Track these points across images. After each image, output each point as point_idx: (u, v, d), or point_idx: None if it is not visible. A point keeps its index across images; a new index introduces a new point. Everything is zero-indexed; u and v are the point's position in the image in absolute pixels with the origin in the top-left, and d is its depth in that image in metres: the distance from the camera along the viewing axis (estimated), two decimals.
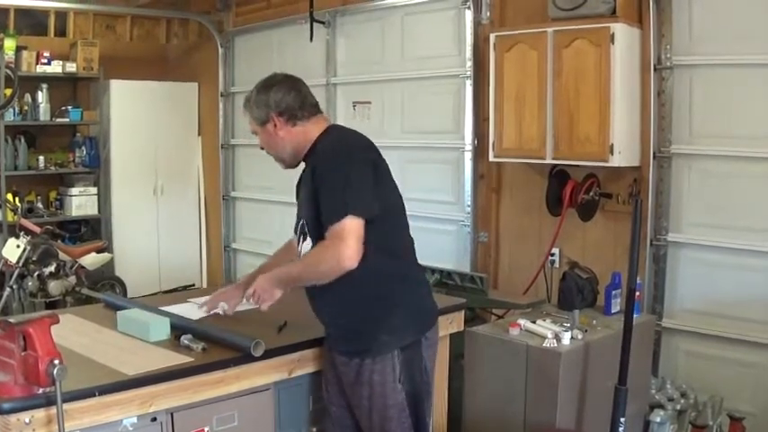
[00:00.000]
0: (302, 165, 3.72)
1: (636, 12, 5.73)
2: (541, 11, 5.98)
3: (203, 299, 4.22)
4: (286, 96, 3.59)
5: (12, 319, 2.83)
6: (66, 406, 2.84)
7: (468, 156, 7.11)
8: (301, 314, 3.85)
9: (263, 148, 3.78)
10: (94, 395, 2.99)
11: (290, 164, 3.74)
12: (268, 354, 3.49)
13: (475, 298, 5.52)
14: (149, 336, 3.69)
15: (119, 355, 3.46)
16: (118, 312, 3.98)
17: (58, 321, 2.89)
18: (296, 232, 3.72)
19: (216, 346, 3.54)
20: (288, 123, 3.59)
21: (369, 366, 3.46)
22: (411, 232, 3.72)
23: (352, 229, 3.30)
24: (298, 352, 3.71)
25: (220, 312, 4.02)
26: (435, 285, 5.61)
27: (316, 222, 3.44)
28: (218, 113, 10.21)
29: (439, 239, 7.25)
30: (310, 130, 3.61)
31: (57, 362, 2.76)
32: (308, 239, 3.55)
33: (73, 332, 3.78)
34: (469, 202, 7.14)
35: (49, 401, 2.82)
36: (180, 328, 3.72)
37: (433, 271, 5.80)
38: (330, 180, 3.39)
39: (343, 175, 3.36)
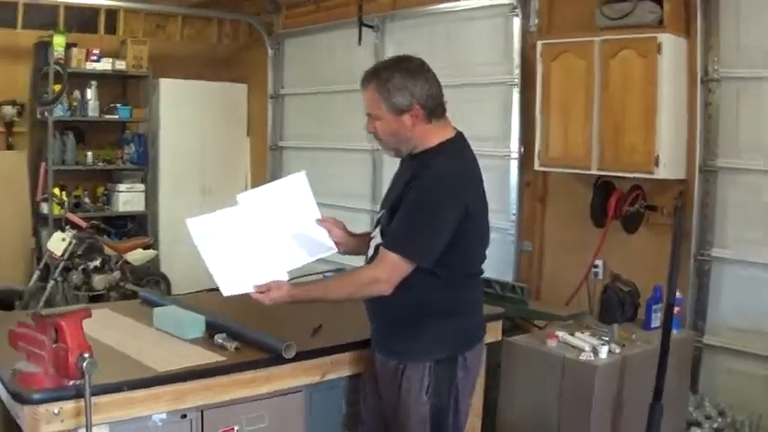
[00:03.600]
0: None
1: (683, 22, 5.67)
2: (589, 19, 5.93)
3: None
4: (432, 88, 3.33)
5: (44, 312, 2.85)
6: (95, 399, 2.86)
7: (514, 164, 7.07)
8: (337, 317, 3.85)
9: (372, 132, 3.45)
10: (123, 389, 3.01)
11: (402, 155, 3.49)
12: (300, 356, 3.49)
13: (514, 308, 5.48)
14: (185, 333, 3.71)
15: (152, 351, 3.48)
16: (154, 309, 4.00)
17: (89, 316, 2.91)
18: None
19: (249, 345, 3.54)
20: (425, 119, 3.32)
21: (401, 371, 3.40)
22: None
23: (399, 269, 3.24)
24: (331, 355, 3.69)
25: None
26: None
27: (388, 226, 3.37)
28: (266, 115, 10.27)
29: None
30: (437, 132, 3.36)
31: (87, 355, 2.78)
32: (377, 231, 3.46)
33: (109, 327, 3.81)
34: (514, 211, 7.09)
35: (78, 394, 2.83)
36: (215, 326, 3.72)
37: None
38: (413, 206, 3.26)
39: (426, 212, 3.23)
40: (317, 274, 5.11)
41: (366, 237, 3.61)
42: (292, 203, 3.53)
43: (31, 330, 2.91)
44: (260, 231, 3.43)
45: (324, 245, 3.56)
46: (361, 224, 3.84)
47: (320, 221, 3.56)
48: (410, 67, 3.35)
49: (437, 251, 3.26)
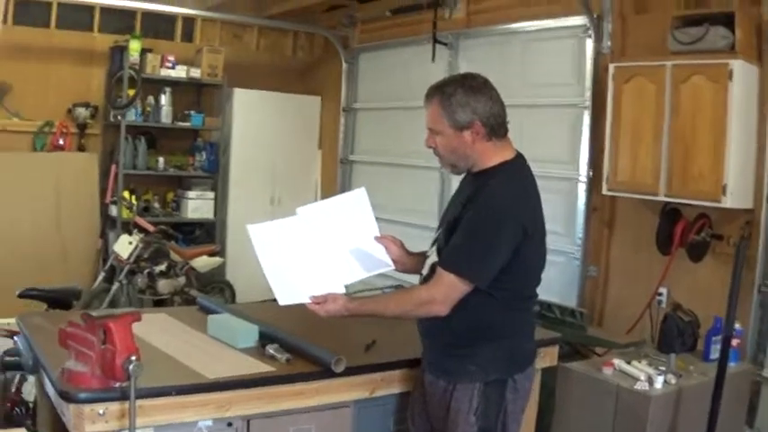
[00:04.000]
0: None
1: (755, 49, 5.55)
2: (661, 43, 5.83)
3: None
4: (495, 107, 3.30)
5: (94, 313, 2.87)
6: (142, 402, 2.89)
7: (582, 187, 6.97)
8: (393, 334, 3.83)
9: (432, 147, 3.43)
10: (171, 394, 3.03)
11: (460, 172, 3.48)
12: (350, 371, 3.47)
13: (572, 333, 5.40)
14: (237, 342, 3.73)
15: (203, 358, 3.50)
16: (208, 316, 4.02)
17: (139, 319, 2.93)
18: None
19: (300, 357, 3.54)
20: (485, 137, 3.29)
21: (450, 391, 3.36)
22: None
23: (456, 289, 3.21)
24: (381, 372, 3.67)
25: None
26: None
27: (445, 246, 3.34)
28: (338, 128, 10.31)
29: (545, 270, 7.11)
30: (497, 152, 3.33)
31: (133, 358, 2.80)
32: (433, 249, 3.44)
33: (163, 331, 3.86)
34: (581, 235, 6.99)
35: (123, 395, 2.86)
36: (268, 336, 3.73)
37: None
38: (471, 226, 3.23)
39: (484, 233, 3.20)
40: (377, 289, 5.09)
41: (424, 256, 3.58)
42: (352, 219, 3.53)
43: (80, 330, 2.94)
44: (319, 244, 3.43)
45: (381, 261, 3.54)
46: (427, 241, 3.79)
47: (378, 238, 3.55)
48: (474, 85, 3.32)
49: (494, 272, 3.22)
